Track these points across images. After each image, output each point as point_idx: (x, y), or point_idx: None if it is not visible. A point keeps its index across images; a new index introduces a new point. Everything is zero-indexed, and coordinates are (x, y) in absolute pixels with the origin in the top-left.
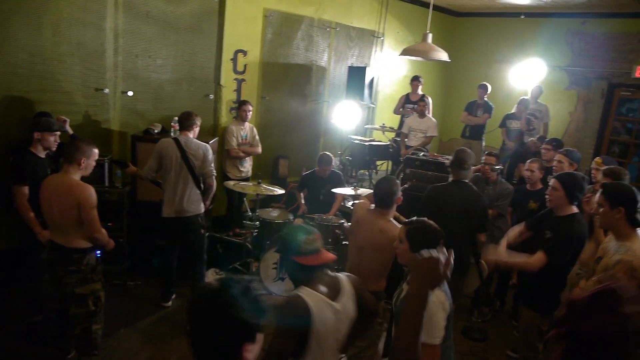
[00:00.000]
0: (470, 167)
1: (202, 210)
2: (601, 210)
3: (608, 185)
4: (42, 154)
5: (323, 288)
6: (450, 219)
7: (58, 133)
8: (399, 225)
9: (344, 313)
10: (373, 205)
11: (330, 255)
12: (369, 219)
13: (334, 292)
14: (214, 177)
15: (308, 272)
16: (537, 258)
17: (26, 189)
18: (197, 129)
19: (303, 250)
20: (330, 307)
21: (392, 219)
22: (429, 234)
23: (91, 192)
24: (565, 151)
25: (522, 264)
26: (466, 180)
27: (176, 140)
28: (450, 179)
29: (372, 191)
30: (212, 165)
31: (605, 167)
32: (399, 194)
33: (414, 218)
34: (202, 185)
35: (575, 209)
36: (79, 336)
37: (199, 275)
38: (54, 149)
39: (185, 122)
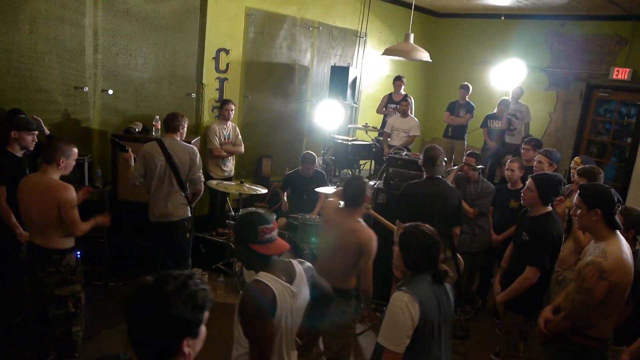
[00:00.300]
0: (442, 162)
1: (189, 214)
2: (579, 212)
3: (585, 187)
4: (19, 154)
5: (279, 273)
6: (426, 214)
7: (36, 132)
8: (364, 224)
9: (299, 296)
10: (342, 204)
11: (286, 245)
12: (338, 218)
13: (289, 276)
14: (202, 183)
15: (265, 259)
16: (530, 272)
17: (3, 190)
18: (183, 131)
19: (260, 239)
20: (288, 290)
21: (360, 219)
22: (420, 239)
23: (71, 191)
24: (545, 151)
25: (520, 286)
26: (439, 176)
27: (160, 142)
28: (425, 176)
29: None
30: (201, 171)
31: (579, 167)
32: (368, 192)
33: (415, 223)
34: (188, 190)
35: (549, 208)
36: (59, 338)
37: None
38: (32, 148)
39: (171, 124)
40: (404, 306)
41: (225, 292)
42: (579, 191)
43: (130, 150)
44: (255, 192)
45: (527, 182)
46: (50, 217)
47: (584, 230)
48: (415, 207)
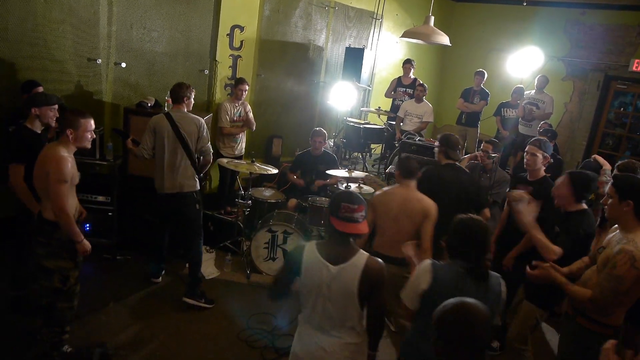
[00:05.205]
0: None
1: (198, 187)
2: (610, 201)
3: (619, 177)
4: (39, 130)
5: (326, 249)
6: (444, 200)
7: (56, 106)
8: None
9: (337, 278)
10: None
11: (362, 229)
12: (398, 191)
13: (338, 258)
14: (211, 154)
15: (337, 235)
16: (557, 249)
17: (21, 169)
18: (189, 102)
19: (340, 215)
20: (323, 265)
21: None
22: (467, 226)
23: (62, 165)
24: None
25: (544, 244)
26: (458, 163)
27: (168, 115)
28: (444, 162)
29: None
30: (209, 142)
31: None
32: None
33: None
34: (197, 162)
35: (584, 206)
36: (45, 308)
37: (196, 252)
38: (54, 124)
39: (176, 95)
40: (420, 271)
41: (232, 270)
42: (612, 180)
43: (131, 137)
44: (265, 172)
45: (560, 178)
46: (42, 188)
47: (612, 220)
48: (434, 192)
